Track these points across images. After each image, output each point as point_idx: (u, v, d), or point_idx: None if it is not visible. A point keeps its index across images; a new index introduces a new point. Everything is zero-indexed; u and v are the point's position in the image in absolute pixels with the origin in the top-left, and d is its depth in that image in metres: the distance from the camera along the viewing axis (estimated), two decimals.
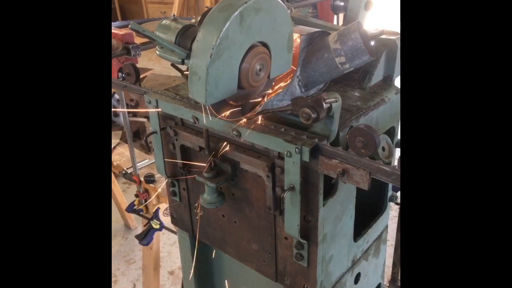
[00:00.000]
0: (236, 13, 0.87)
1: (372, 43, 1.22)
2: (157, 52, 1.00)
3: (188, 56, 0.94)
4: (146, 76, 2.88)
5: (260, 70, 1.00)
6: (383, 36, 1.29)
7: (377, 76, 1.29)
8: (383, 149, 0.99)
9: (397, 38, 1.27)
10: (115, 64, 2.22)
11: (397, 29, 1.31)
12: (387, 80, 1.32)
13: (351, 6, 1.55)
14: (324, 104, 0.94)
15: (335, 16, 1.87)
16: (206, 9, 1.30)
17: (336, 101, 0.96)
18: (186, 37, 0.99)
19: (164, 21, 1.01)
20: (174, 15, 1.03)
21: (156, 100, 1.26)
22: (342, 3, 1.64)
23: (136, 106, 1.37)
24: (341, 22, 1.85)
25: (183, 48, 0.97)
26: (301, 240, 1.12)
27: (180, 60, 0.96)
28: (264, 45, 0.98)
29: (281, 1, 0.97)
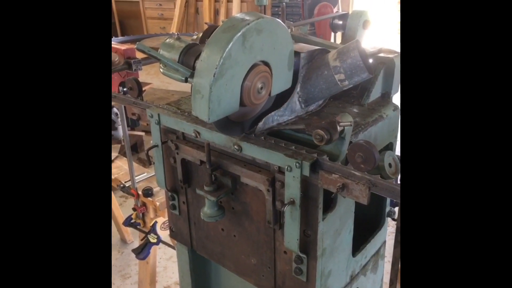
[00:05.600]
0: (239, 34, 0.90)
1: (371, 61, 1.25)
2: (161, 70, 1.03)
3: (192, 75, 0.96)
4: (145, 90, 2.91)
5: (261, 88, 1.02)
6: (381, 54, 1.32)
7: (375, 93, 1.32)
8: (390, 165, 1.01)
9: (394, 56, 1.31)
10: (116, 78, 2.25)
11: (395, 47, 1.35)
12: (385, 97, 1.34)
13: (349, 25, 1.59)
14: (338, 127, 0.97)
15: (332, 33, 1.92)
16: (205, 25, 1.33)
17: (351, 125, 0.99)
18: (189, 56, 1.01)
19: (167, 40, 1.04)
20: (177, 34, 1.05)
21: (158, 114, 1.28)
22: (340, 22, 1.69)
23: (138, 120, 1.39)
24: (338, 40, 1.89)
25: (186, 66, 1.00)
26: (301, 255, 1.13)
27: (183, 79, 0.98)
28: (266, 63, 1.01)
29: (281, 22, 1.00)
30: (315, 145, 1.03)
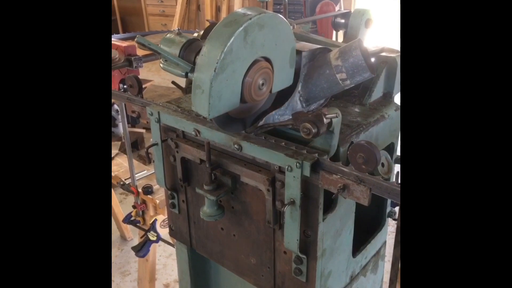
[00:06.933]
0: (241, 29, 0.88)
1: (373, 60, 1.24)
2: (161, 65, 1.01)
3: (192, 70, 0.95)
4: (146, 87, 2.90)
5: (262, 84, 1.01)
6: (383, 54, 1.31)
7: (377, 92, 1.30)
8: (383, 165, 1.00)
9: (397, 55, 1.29)
10: (117, 75, 2.24)
11: (397, 46, 1.33)
12: (387, 97, 1.33)
13: (351, 24, 1.57)
14: (324, 119, 0.95)
15: (334, 32, 1.90)
16: (207, 22, 1.32)
17: (337, 117, 0.97)
18: (190, 51, 1.00)
19: (168, 35, 1.03)
20: (178, 29, 1.04)
21: (158, 112, 1.26)
22: (342, 21, 1.67)
23: (138, 117, 1.38)
24: (340, 38, 1.88)
25: (187, 61, 0.98)
26: (300, 255, 1.11)
27: (183, 74, 0.97)
28: (267, 60, 1.00)
29: (284, 18, 0.98)
30: (306, 141, 1.01)
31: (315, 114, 0.96)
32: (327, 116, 0.96)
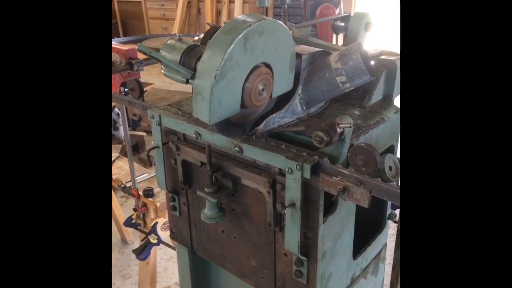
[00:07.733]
0: (240, 36, 0.90)
1: (372, 63, 1.25)
2: (162, 71, 1.02)
3: (193, 76, 0.96)
4: (146, 90, 2.90)
5: (263, 90, 1.02)
6: (383, 57, 1.32)
7: (377, 95, 1.31)
8: (390, 168, 1.01)
9: (396, 58, 1.30)
10: (118, 78, 2.25)
11: (397, 49, 1.34)
12: (387, 100, 1.34)
13: (351, 27, 1.59)
14: (337, 129, 0.96)
15: (334, 35, 1.91)
16: (207, 25, 1.33)
17: (350, 127, 0.99)
18: (190, 57, 1.01)
19: (169, 41, 1.04)
20: (179, 35, 1.05)
21: (159, 115, 1.28)
22: (342, 24, 1.68)
23: (139, 120, 1.39)
24: (340, 42, 1.89)
25: (188, 68, 0.99)
26: (301, 257, 1.12)
27: (184, 80, 0.98)
28: (267, 65, 1.01)
29: (283, 24, 0.99)
30: (316, 147, 1.02)
31: (328, 123, 0.97)
32: (340, 125, 0.97)
